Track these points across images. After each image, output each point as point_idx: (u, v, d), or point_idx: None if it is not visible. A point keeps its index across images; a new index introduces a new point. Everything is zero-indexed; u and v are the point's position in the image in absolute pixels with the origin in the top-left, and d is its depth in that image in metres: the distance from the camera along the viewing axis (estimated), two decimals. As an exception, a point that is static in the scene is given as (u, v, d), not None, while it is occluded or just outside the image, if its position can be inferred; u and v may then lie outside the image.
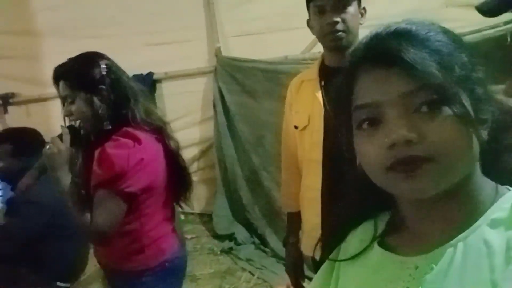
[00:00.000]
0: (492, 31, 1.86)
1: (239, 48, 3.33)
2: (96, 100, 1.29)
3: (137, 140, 1.26)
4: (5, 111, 4.15)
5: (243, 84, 3.19)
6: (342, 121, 0.55)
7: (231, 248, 3.12)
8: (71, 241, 2.01)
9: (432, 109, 0.47)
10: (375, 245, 0.58)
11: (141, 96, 1.38)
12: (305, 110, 1.35)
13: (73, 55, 1.38)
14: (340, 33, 1.23)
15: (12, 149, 2.05)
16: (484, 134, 0.50)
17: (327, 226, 1.10)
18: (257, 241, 3.16)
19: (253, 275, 2.78)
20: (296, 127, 1.39)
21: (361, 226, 0.62)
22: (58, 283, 2.11)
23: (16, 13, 3.85)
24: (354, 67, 0.53)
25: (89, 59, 1.34)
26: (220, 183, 3.42)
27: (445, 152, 0.46)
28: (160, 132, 1.37)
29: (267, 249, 3.05)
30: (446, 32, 0.52)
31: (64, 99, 1.32)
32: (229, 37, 3.41)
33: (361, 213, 0.63)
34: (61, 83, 1.32)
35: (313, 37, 1.33)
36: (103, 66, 1.32)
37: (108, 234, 1.25)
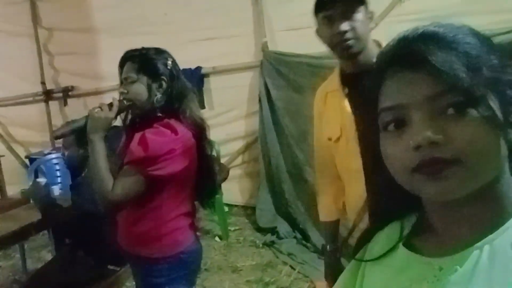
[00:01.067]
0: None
1: (285, 42, 3.34)
2: (154, 87, 1.40)
3: (174, 131, 1.35)
4: (65, 104, 4.44)
5: (289, 79, 3.20)
6: (369, 123, 0.55)
7: (273, 242, 3.14)
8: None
9: (459, 111, 0.47)
10: (401, 246, 0.58)
11: (192, 96, 1.48)
12: (335, 121, 1.36)
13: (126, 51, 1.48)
14: (350, 41, 1.21)
15: (76, 138, 2.19)
16: None
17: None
18: (299, 235, 3.16)
19: (294, 269, 2.79)
20: (330, 139, 1.39)
21: (388, 227, 0.62)
22: (109, 266, 2.23)
23: (76, 12, 4.09)
24: (381, 69, 0.53)
25: (159, 52, 1.45)
26: (264, 177, 3.46)
27: (472, 154, 0.46)
28: (199, 132, 1.44)
29: (308, 244, 3.04)
30: (475, 34, 0.51)
31: (125, 80, 1.42)
32: (276, 31, 3.43)
33: (387, 214, 0.63)
34: (128, 64, 1.42)
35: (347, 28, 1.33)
36: (169, 61, 1.44)
37: (121, 205, 1.35)
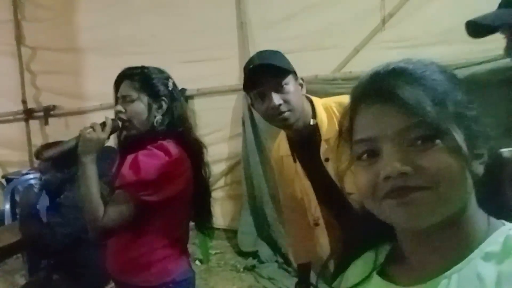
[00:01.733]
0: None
1: (269, 67, 3.39)
2: (154, 108, 1.35)
3: (168, 153, 1.29)
4: (46, 123, 4.37)
5: (272, 102, 3.23)
6: (343, 153, 0.58)
7: (254, 266, 3.11)
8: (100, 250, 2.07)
9: (426, 143, 0.49)
10: (375, 275, 0.60)
11: (190, 118, 1.44)
12: (295, 184, 1.44)
13: (112, 71, 1.44)
14: (285, 113, 1.24)
15: (54, 162, 2.15)
16: (479, 168, 0.52)
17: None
18: (280, 260, 3.13)
19: (274, 294, 2.76)
20: (293, 197, 1.48)
21: (363, 256, 0.64)
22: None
23: (62, 32, 4.09)
24: (355, 103, 0.56)
25: (160, 71, 1.42)
26: (246, 200, 3.44)
27: (439, 182, 0.48)
28: (197, 154, 1.39)
29: (290, 269, 3.01)
30: (442, 71, 0.54)
31: (122, 98, 1.36)
32: (260, 56, 3.48)
33: (362, 244, 0.65)
34: (126, 82, 1.36)
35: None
36: (170, 82, 1.40)
37: (111, 232, 1.28)
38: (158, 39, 3.65)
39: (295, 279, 2.83)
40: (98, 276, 2.19)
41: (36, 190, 2.19)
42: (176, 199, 1.32)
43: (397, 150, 0.50)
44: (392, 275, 0.58)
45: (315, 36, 3.14)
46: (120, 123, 1.35)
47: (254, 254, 3.21)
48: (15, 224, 2.59)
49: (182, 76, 3.49)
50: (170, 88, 1.38)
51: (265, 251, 3.21)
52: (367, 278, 0.60)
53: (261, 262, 3.14)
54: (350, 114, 0.56)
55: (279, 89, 1.23)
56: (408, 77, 0.52)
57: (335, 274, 0.67)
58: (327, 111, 1.31)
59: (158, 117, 1.35)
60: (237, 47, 3.53)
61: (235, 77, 3.57)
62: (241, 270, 3.11)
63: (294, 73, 1.28)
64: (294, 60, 3.52)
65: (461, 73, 1.88)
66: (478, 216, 0.53)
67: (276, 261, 3.14)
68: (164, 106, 1.36)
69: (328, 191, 1.25)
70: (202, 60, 3.55)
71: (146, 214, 1.29)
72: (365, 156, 0.53)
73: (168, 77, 1.41)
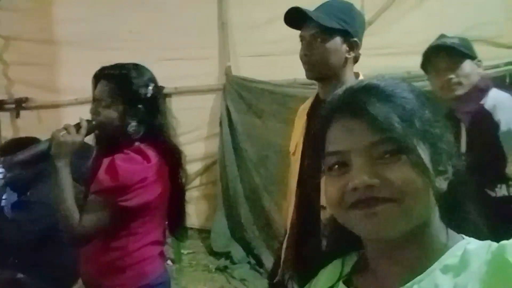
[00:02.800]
0: (492, 71, 1.91)
1: (249, 68, 3.40)
2: (128, 115, 1.30)
3: (146, 158, 1.26)
4: (17, 115, 4.24)
5: (251, 104, 3.24)
6: (315, 164, 0.60)
7: (226, 267, 3.10)
8: (68, 248, 2.02)
9: (393, 157, 0.52)
10: (341, 284, 0.62)
11: (171, 122, 1.38)
12: (295, 137, 1.41)
13: (89, 66, 1.39)
14: (308, 65, 1.31)
15: (21, 159, 2.09)
16: (443, 184, 0.55)
17: (299, 262, 1.16)
18: (252, 261, 3.14)
19: (246, 295, 2.77)
20: (291, 153, 1.45)
21: (331, 264, 0.66)
22: (58, 291, 2.11)
23: (38, 22, 3.98)
24: (328, 116, 0.58)
25: (141, 73, 1.34)
26: (221, 200, 3.44)
27: (404, 195, 0.50)
28: (174, 159, 1.37)
29: (262, 270, 3.02)
30: (412, 90, 0.57)
31: (97, 101, 1.31)
32: (240, 57, 3.49)
33: (331, 252, 0.67)
34: (103, 83, 1.31)
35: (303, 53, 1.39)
36: (151, 86, 1.33)
37: (88, 239, 1.24)
38: (137, 35, 3.61)
39: (267, 281, 2.88)
40: (65, 276, 2.15)
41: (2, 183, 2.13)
42: (153, 203, 1.30)
43: (365, 163, 0.52)
44: (358, 285, 0.60)
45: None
46: (96, 124, 1.31)
47: (227, 255, 3.21)
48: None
49: (160, 74, 3.49)
50: (149, 94, 1.32)
51: (237, 252, 3.21)
52: (334, 286, 0.62)
53: (234, 263, 3.13)
54: (324, 126, 0.58)
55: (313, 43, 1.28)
56: (379, 94, 0.54)
57: (304, 281, 0.69)
58: None
59: (133, 123, 1.29)
60: (217, 47, 3.53)
61: (214, 77, 3.57)
62: (213, 270, 3.10)
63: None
64: (273, 63, 3.56)
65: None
66: (439, 229, 0.56)
67: (249, 262, 3.14)
68: (140, 112, 1.30)
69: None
70: (181, 59, 3.52)
71: (123, 218, 1.27)
72: (335, 167, 0.56)
73: (149, 81, 1.34)
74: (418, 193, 0.51)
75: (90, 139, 1.41)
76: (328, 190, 0.56)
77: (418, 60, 2.85)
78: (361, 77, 1.31)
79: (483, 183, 1.47)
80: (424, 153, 0.52)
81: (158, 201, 1.31)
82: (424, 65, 1.66)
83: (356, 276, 0.62)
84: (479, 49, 2.84)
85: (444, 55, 1.56)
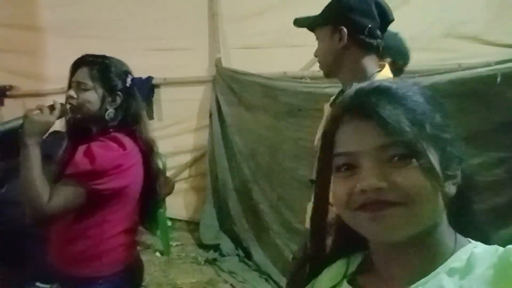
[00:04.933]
0: (484, 69, 1.93)
1: (239, 60, 3.37)
2: (107, 101, 1.34)
3: (122, 146, 1.30)
4: (1, 103, 4.15)
5: (240, 96, 3.22)
6: (324, 164, 0.60)
7: (215, 259, 3.10)
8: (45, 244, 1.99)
9: (402, 161, 0.51)
10: (345, 283, 0.62)
11: (145, 115, 1.43)
12: (320, 132, 1.39)
13: (73, 53, 1.40)
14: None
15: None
16: (452, 188, 0.55)
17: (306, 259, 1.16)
18: (241, 253, 3.14)
19: (234, 287, 2.77)
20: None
21: (335, 263, 0.66)
22: (38, 284, 2.09)
23: (21, 8, 3.87)
24: (338, 116, 0.57)
25: (120, 65, 1.40)
26: (210, 192, 3.43)
27: (412, 199, 0.50)
28: (147, 151, 1.40)
29: (250, 263, 3.03)
30: (424, 93, 0.57)
31: (77, 84, 1.32)
32: (230, 48, 3.46)
33: (336, 251, 0.67)
34: (84, 69, 1.34)
35: (313, 55, 1.37)
36: (129, 78, 1.38)
37: (56, 218, 1.26)
38: (126, 24, 3.54)
39: (255, 273, 2.90)
40: (48, 270, 2.12)
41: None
42: (127, 190, 1.33)
43: (374, 165, 0.52)
44: (362, 285, 0.61)
45: (286, 33, 3.13)
46: (69, 108, 1.32)
47: (216, 247, 3.21)
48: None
49: (149, 64, 3.48)
50: (127, 84, 1.37)
51: (226, 244, 3.20)
52: (338, 285, 0.62)
53: (222, 255, 3.13)
54: (333, 127, 0.58)
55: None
56: (390, 97, 0.54)
57: (308, 279, 0.68)
58: None
59: (110, 110, 1.34)
60: (208, 38, 3.49)
61: (204, 69, 3.53)
62: (202, 262, 3.09)
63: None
64: (264, 55, 3.53)
65: (423, 81, 1.96)
66: (447, 234, 0.56)
67: (237, 255, 3.14)
68: (118, 100, 1.35)
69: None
70: (170, 49, 3.47)
71: (97, 204, 1.29)
72: (344, 168, 0.55)
73: (127, 72, 1.40)
74: (427, 198, 0.51)
75: (59, 127, 1.42)
76: (336, 190, 0.56)
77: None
78: (384, 71, 1.27)
79: None
80: (433, 157, 0.52)
81: (132, 188, 1.35)
82: None
83: (360, 276, 0.62)
84: (466, 46, 2.88)
85: None
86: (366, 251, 0.62)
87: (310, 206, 1.44)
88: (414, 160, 0.51)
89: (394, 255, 0.55)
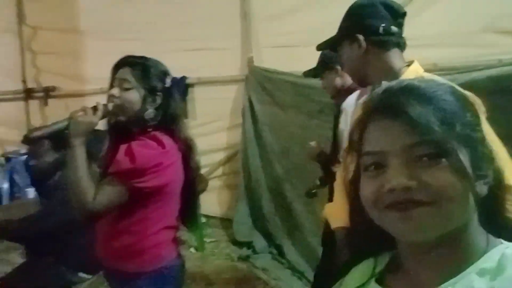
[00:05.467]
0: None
1: (271, 59, 3.39)
2: (148, 101, 1.36)
3: (161, 144, 1.32)
4: (46, 103, 4.36)
5: (273, 95, 3.23)
6: (351, 162, 0.60)
7: (248, 256, 3.14)
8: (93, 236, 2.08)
9: (432, 161, 0.51)
10: (373, 282, 0.62)
11: (182, 116, 1.45)
12: None
13: (111, 55, 1.46)
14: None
15: (51, 145, 2.16)
16: (483, 188, 0.54)
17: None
18: (274, 251, 3.16)
19: (267, 284, 2.79)
20: None
21: (363, 262, 0.66)
22: (81, 274, 2.18)
23: (63, 12, 4.05)
24: (367, 116, 0.57)
25: (160, 66, 1.42)
26: (243, 190, 3.47)
27: (441, 199, 0.50)
28: (186, 148, 1.42)
29: (283, 260, 3.05)
30: (454, 92, 0.56)
31: (119, 83, 1.36)
32: (262, 47, 3.48)
33: (364, 250, 0.67)
34: (126, 69, 1.37)
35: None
36: (168, 80, 1.41)
37: (101, 215, 1.31)
38: (160, 26, 3.63)
39: (288, 271, 2.92)
40: (90, 262, 2.22)
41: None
42: (167, 188, 1.35)
43: (403, 164, 0.52)
44: (390, 284, 0.60)
45: (318, 31, 3.11)
46: (111, 108, 1.36)
47: (249, 244, 3.24)
48: (13, 204, 2.62)
49: (183, 64, 3.55)
50: (166, 85, 1.40)
51: (259, 242, 3.23)
52: (365, 284, 0.62)
53: (256, 252, 3.17)
54: (361, 126, 0.58)
55: None
56: (419, 96, 0.53)
57: (335, 278, 0.69)
58: None
59: (150, 110, 1.36)
60: (240, 38, 3.52)
61: (237, 68, 3.57)
62: (235, 259, 3.14)
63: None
64: (296, 54, 3.51)
65: (461, 78, 1.90)
66: (478, 234, 0.55)
67: (271, 252, 3.16)
68: (158, 100, 1.37)
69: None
70: (204, 49, 3.53)
71: (139, 201, 1.33)
72: (372, 167, 0.55)
73: (166, 73, 1.42)
74: (457, 197, 0.50)
75: (101, 127, 1.47)
76: (365, 190, 0.56)
77: (443, 52, 2.79)
78: (413, 66, 1.25)
79: None
80: (464, 157, 0.52)
81: (172, 186, 1.37)
82: None
83: (388, 276, 0.61)
84: (507, 41, 2.74)
85: None
86: (394, 251, 0.62)
87: (328, 207, 1.46)
88: (443, 159, 0.50)
89: (423, 254, 0.55)
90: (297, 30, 3.20)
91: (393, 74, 1.18)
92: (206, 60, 3.53)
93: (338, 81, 1.99)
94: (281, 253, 3.11)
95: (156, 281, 1.38)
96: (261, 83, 3.30)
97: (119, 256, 1.39)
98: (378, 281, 0.61)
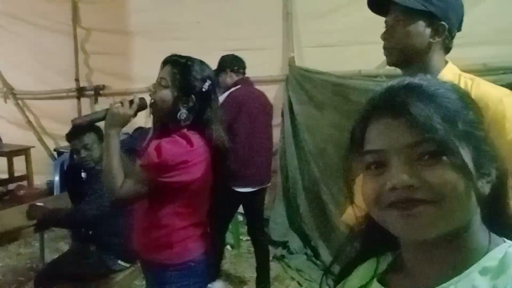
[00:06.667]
0: None
1: (313, 59, 3.37)
2: (180, 101, 1.38)
3: (190, 143, 1.36)
4: (96, 101, 4.60)
5: (311, 95, 3.21)
6: (352, 161, 0.60)
7: (283, 256, 3.14)
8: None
9: (433, 159, 0.50)
10: (375, 282, 0.62)
11: (219, 120, 1.45)
12: None
13: (158, 55, 1.50)
14: (386, 50, 1.21)
15: (97, 138, 2.28)
16: (486, 187, 0.53)
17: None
18: (309, 252, 3.15)
19: (301, 285, 2.79)
20: None
21: (366, 262, 0.66)
22: (120, 261, 2.28)
23: (113, 14, 4.25)
24: (368, 114, 0.57)
25: (202, 69, 1.42)
26: (280, 190, 3.47)
27: (443, 197, 0.49)
28: (217, 149, 1.43)
29: (318, 262, 3.03)
30: (455, 90, 0.55)
31: (159, 80, 1.41)
32: (303, 47, 3.46)
33: (366, 250, 0.66)
34: (168, 67, 1.41)
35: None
36: (207, 83, 1.40)
37: (125, 203, 1.41)
38: (203, 26, 3.72)
39: (323, 272, 2.88)
40: (129, 251, 2.30)
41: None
42: (194, 185, 1.39)
43: (404, 163, 0.52)
44: (392, 284, 0.60)
45: (361, 30, 3.06)
46: (147, 103, 1.41)
47: (284, 244, 3.25)
48: (63, 195, 2.78)
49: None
50: (203, 89, 1.39)
51: (295, 242, 3.23)
52: (368, 284, 0.62)
53: (291, 252, 3.17)
54: (362, 124, 0.58)
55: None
56: (421, 94, 0.53)
57: (338, 278, 0.69)
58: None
59: (183, 111, 1.38)
60: (281, 37, 3.53)
61: (277, 68, 3.58)
62: (270, 258, 3.14)
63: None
64: (338, 53, 3.45)
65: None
66: (480, 233, 0.54)
67: (305, 253, 3.15)
68: (191, 103, 1.38)
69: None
70: (245, 49, 3.54)
71: (168, 197, 1.38)
72: (373, 166, 0.55)
73: (207, 77, 1.41)
74: (458, 196, 0.50)
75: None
76: (365, 189, 0.56)
77: (493, 50, 2.64)
78: (449, 65, 1.19)
79: None
80: (466, 155, 0.51)
81: (199, 184, 1.40)
82: None
83: (391, 276, 0.61)
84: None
85: None
86: (396, 250, 0.62)
87: (348, 211, 1.44)
88: (445, 157, 0.50)
89: (425, 253, 0.55)
90: (339, 29, 3.16)
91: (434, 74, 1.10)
92: (248, 60, 3.54)
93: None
94: (316, 255, 3.09)
95: (183, 274, 1.43)
96: (300, 83, 3.29)
97: (150, 247, 1.46)
98: (381, 281, 0.61)
